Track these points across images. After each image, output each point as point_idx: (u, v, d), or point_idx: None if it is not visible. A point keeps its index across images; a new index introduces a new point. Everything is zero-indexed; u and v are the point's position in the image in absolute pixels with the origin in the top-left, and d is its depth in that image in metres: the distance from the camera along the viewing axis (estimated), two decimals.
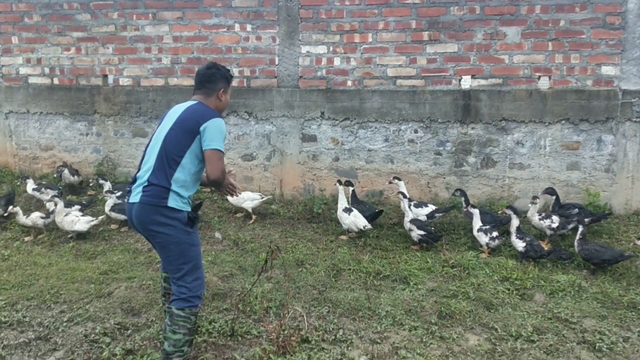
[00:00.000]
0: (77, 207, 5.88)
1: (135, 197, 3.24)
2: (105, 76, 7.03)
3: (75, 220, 5.49)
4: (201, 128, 3.22)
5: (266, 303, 4.08)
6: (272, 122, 6.69)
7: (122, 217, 5.73)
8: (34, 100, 7.20)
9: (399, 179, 5.93)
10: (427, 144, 6.36)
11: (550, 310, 4.06)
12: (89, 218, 5.59)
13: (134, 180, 3.35)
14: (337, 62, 6.44)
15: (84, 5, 6.90)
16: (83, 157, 7.24)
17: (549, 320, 3.92)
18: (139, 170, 3.37)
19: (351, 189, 6.00)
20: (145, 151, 3.42)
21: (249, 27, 6.56)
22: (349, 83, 6.46)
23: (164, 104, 6.81)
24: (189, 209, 3.29)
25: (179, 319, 3.17)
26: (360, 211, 5.64)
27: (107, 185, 6.26)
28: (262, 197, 6.15)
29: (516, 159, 6.19)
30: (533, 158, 6.15)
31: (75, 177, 6.76)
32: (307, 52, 6.48)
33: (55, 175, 7.05)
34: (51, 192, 6.18)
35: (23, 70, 7.20)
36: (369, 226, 5.45)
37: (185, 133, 3.25)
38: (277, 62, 6.58)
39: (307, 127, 6.63)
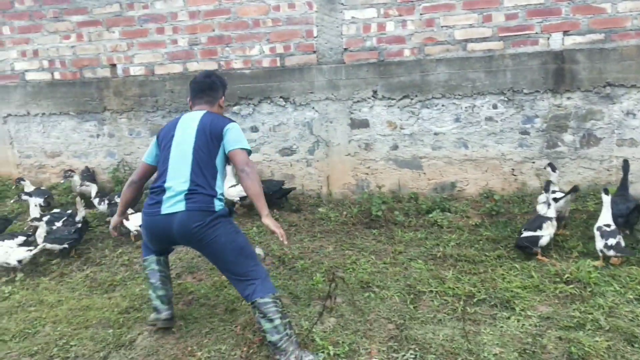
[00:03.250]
0: (22, 238, 4.99)
1: (172, 207, 3.33)
2: (113, 66, 6.33)
3: (10, 251, 4.76)
4: (224, 131, 3.46)
5: (332, 349, 3.29)
6: (313, 108, 5.88)
7: (58, 246, 5.01)
8: (34, 100, 6.56)
9: (553, 168, 4.92)
10: (510, 121, 5.44)
11: None
12: (25, 248, 4.85)
13: (154, 189, 3.46)
14: (390, 27, 5.56)
15: None
16: (95, 162, 6.59)
17: None
18: (158, 180, 3.48)
19: None
20: (165, 161, 3.50)
21: None
22: (407, 52, 5.57)
23: (184, 94, 6.07)
24: None
25: (267, 307, 3.26)
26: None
27: (33, 204, 5.44)
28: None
29: (626, 134, 5.23)
30: None
31: (84, 186, 6.04)
32: (352, 18, 5.61)
33: (62, 182, 6.42)
34: (38, 200, 5.60)
35: (19, 66, 6.55)
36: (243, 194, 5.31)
37: (213, 140, 3.45)
38: (315, 34, 5.74)
39: (356, 111, 5.79)
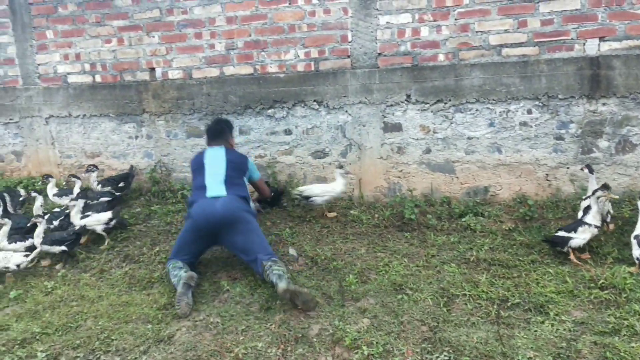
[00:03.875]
0: (27, 243, 5.13)
1: (215, 192, 4.57)
2: (152, 69, 6.48)
3: (9, 256, 4.83)
4: (248, 164, 5.11)
5: (366, 349, 3.35)
6: (346, 111, 5.94)
7: (57, 249, 5.05)
8: (75, 102, 6.76)
9: (591, 169, 4.91)
10: (544, 126, 5.42)
11: None
12: (22, 253, 4.93)
13: (196, 193, 4.70)
14: (424, 32, 5.59)
15: None
16: (133, 163, 6.76)
17: None
18: (197, 191, 4.72)
19: None
20: (202, 180, 4.73)
21: None
22: (441, 57, 5.59)
23: (220, 98, 6.20)
24: None
25: (280, 263, 4.31)
26: None
27: (39, 204, 5.70)
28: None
29: None
30: None
31: (98, 185, 6.21)
32: (387, 23, 5.66)
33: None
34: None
35: (61, 68, 6.76)
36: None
37: (241, 169, 4.95)
38: (350, 39, 5.80)
39: (389, 115, 5.84)
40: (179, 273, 4.32)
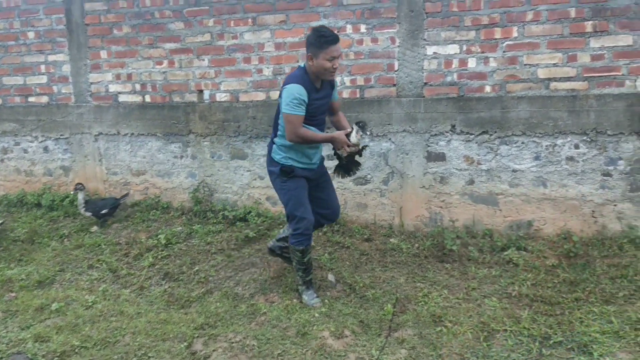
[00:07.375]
0: None
1: None
2: (200, 91, 6.69)
3: None
4: (281, 91, 4.28)
5: None
6: (389, 139, 6.01)
7: None
8: (124, 120, 7.02)
9: None
10: (591, 162, 5.38)
11: None
12: None
13: None
14: (472, 63, 5.64)
15: (177, 13, 6.61)
16: (177, 182, 6.94)
17: None
18: None
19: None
20: None
21: (363, 28, 5.93)
22: (488, 88, 5.62)
23: (265, 121, 6.34)
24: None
25: (290, 250, 4.62)
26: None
27: None
28: None
29: None
30: None
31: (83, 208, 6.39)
32: (434, 53, 5.74)
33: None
34: None
35: (113, 88, 7.04)
36: None
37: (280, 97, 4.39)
38: (396, 68, 5.89)
39: (433, 144, 5.87)
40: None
